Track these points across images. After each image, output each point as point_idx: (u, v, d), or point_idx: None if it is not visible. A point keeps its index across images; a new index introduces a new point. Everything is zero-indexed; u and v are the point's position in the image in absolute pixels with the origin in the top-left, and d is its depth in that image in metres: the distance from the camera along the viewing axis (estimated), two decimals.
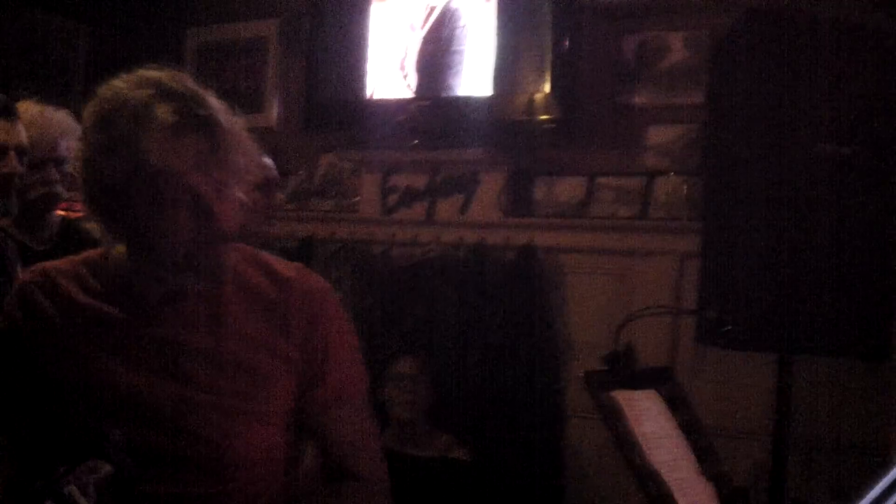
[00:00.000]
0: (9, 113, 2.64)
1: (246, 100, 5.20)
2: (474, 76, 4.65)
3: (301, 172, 5.15)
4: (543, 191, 4.51)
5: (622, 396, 1.81)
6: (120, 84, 1.69)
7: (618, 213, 4.33)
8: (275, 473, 1.74)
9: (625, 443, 1.75)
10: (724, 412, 3.62)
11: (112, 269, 1.78)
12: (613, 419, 1.77)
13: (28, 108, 2.94)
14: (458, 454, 4.10)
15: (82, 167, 1.69)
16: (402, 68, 4.86)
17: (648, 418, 1.82)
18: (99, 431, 1.56)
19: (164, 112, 1.62)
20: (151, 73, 1.70)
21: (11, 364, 1.76)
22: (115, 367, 1.70)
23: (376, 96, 4.95)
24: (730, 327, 2.65)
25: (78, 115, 2.98)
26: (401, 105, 4.78)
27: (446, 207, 4.69)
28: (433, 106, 4.69)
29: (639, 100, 4.36)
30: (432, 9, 4.78)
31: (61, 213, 3.18)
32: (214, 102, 1.69)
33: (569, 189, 4.45)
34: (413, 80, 4.84)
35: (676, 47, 4.28)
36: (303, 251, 4.82)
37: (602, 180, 4.39)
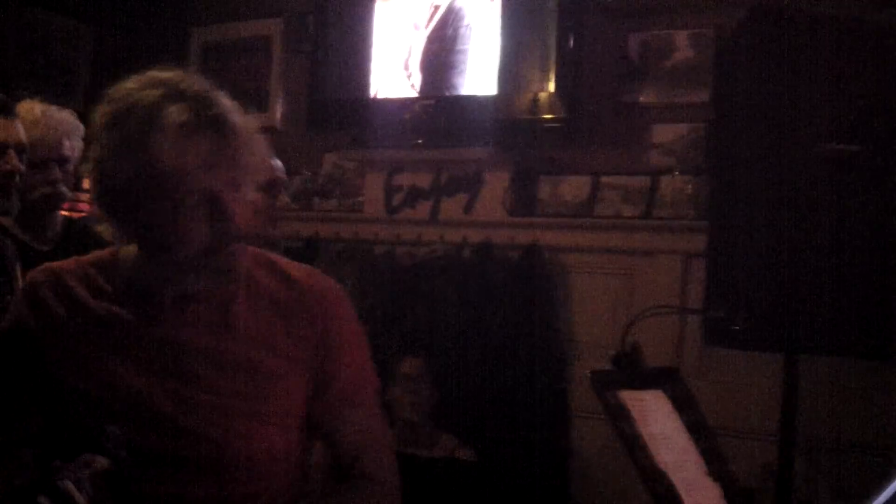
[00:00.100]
0: (7, 111, 2.64)
1: (249, 99, 5.11)
2: (478, 75, 4.64)
3: (305, 172, 5.14)
4: (548, 190, 4.51)
5: (628, 396, 1.80)
6: (131, 85, 1.68)
7: (622, 212, 4.32)
8: (277, 474, 1.74)
9: (631, 443, 1.74)
10: (730, 412, 3.61)
11: (121, 270, 1.78)
12: (620, 419, 1.76)
13: (31, 108, 2.94)
14: (463, 455, 4.10)
15: (94, 168, 1.69)
16: (406, 67, 4.86)
17: (655, 418, 1.81)
18: (98, 429, 1.56)
19: (175, 112, 1.62)
20: (162, 74, 1.70)
21: (18, 362, 1.76)
22: (119, 367, 1.70)
23: (380, 95, 4.94)
24: (737, 327, 2.65)
25: (81, 115, 3.00)
26: (405, 104, 4.78)
27: (450, 207, 4.68)
28: (437, 105, 4.69)
29: (643, 98, 4.35)
30: (436, 8, 4.78)
31: (64, 213, 3.18)
32: (226, 102, 1.70)
33: (573, 188, 4.44)
34: (417, 79, 4.83)
35: (681, 46, 4.27)
36: (307, 251, 4.81)
37: (606, 179, 4.38)
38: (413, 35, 4.84)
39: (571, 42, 4.44)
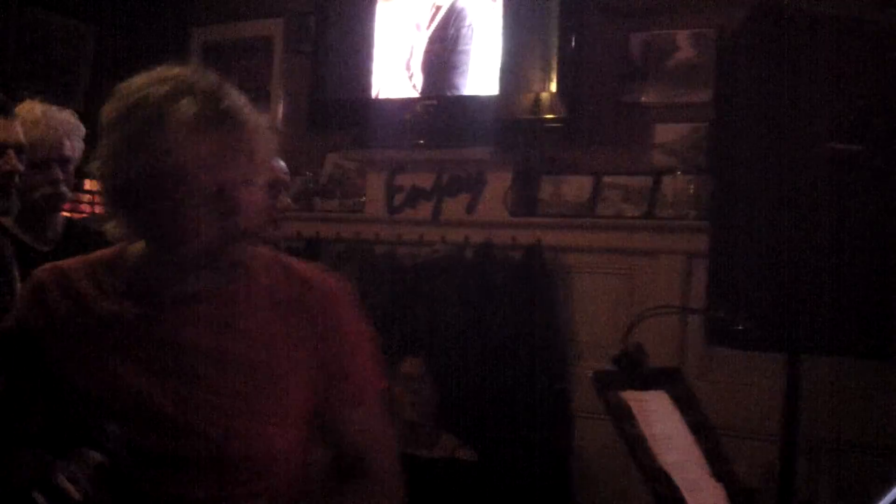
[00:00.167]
0: (6, 111, 2.63)
1: (251, 99, 5.18)
2: (480, 75, 4.64)
3: (306, 173, 5.14)
4: (550, 190, 4.50)
5: (631, 397, 1.80)
6: (139, 81, 1.67)
7: (624, 212, 4.32)
8: (278, 473, 1.73)
9: (634, 443, 1.74)
10: (731, 412, 3.60)
11: (128, 268, 1.76)
12: (622, 419, 1.76)
13: (32, 108, 2.93)
14: (464, 455, 4.10)
15: (102, 165, 1.67)
16: (408, 68, 4.85)
17: (658, 419, 1.81)
18: (98, 427, 1.55)
19: (185, 106, 1.61)
20: (171, 70, 1.69)
21: (21, 361, 1.75)
22: (120, 366, 1.69)
23: (382, 96, 4.94)
24: (739, 327, 2.64)
25: (83, 115, 3.00)
26: (406, 104, 4.78)
27: (452, 207, 4.68)
28: (439, 105, 4.69)
29: (645, 98, 4.36)
30: (438, 8, 4.78)
31: (66, 213, 3.18)
32: (236, 96, 1.69)
33: (575, 188, 4.44)
34: (419, 79, 4.83)
35: (683, 45, 4.27)
36: (308, 251, 4.81)
37: (608, 179, 4.38)
38: (415, 35, 4.84)
39: (573, 42, 4.44)
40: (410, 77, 4.84)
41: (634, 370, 1.88)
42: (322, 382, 1.76)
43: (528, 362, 4.30)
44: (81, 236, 3.06)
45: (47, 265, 1.81)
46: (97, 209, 4.98)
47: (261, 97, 5.33)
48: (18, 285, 2.49)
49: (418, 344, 4.41)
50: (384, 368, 1.90)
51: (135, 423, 1.63)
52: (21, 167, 2.61)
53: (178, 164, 1.59)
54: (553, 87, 4.43)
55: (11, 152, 2.59)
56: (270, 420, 1.71)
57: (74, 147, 3.00)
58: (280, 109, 5.38)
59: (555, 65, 4.44)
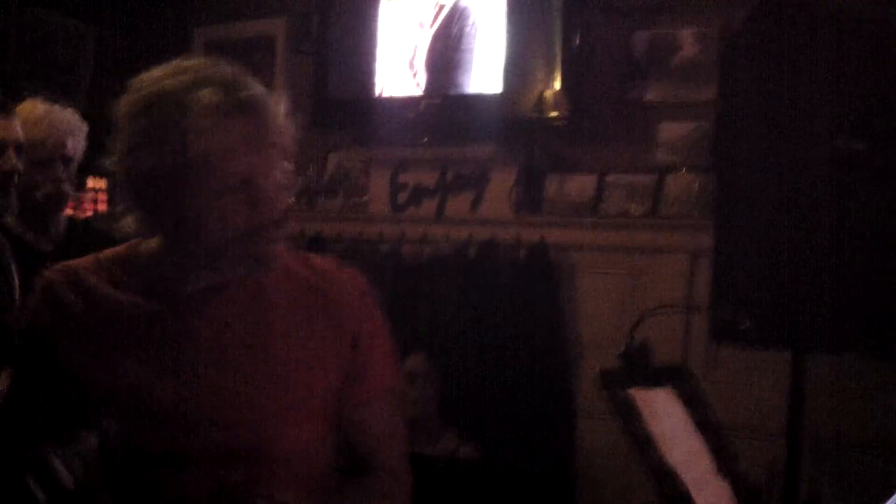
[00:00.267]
0: (6, 110, 2.63)
1: None
2: (484, 73, 4.63)
3: (310, 171, 5.14)
4: (554, 188, 4.50)
5: (638, 394, 1.80)
6: (157, 73, 1.64)
7: (629, 210, 4.32)
8: (303, 466, 1.71)
9: (641, 441, 1.73)
10: (736, 411, 3.59)
11: (142, 264, 1.74)
12: (629, 418, 1.75)
13: (35, 107, 2.93)
14: (468, 453, 4.09)
15: (120, 159, 1.64)
16: (412, 66, 4.84)
17: (664, 417, 1.80)
18: (96, 423, 1.54)
19: (206, 95, 1.58)
20: (188, 61, 1.67)
21: (37, 362, 1.73)
22: (134, 363, 1.66)
23: (385, 94, 4.93)
24: (743, 325, 2.64)
25: (85, 114, 2.99)
26: (410, 103, 4.77)
27: (456, 205, 4.68)
28: (443, 103, 4.68)
29: (649, 96, 4.35)
30: (441, 6, 4.77)
31: (69, 212, 3.17)
32: (256, 85, 1.68)
33: (579, 186, 4.44)
34: (422, 77, 4.82)
35: (687, 43, 4.26)
36: (312, 250, 4.80)
37: (613, 177, 4.37)
38: (418, 34, 4.83)
39: (577, 40, 4.43)
40: (414, 75, 4.83)
41: (641, 367, 1.87)
42: (346, 376, 1.75)
43: (532, 360, 4.30)
44: (84, 235, 3.05)
45: (57, 265, 1.78)
46: (100, 207, 4.98)
47: None
48: (17, 285, 2.49)
49: (422, 342, 4.40)
50: (399, 365, 1.90)
51: (145, 419, 1.61)
52: (21, 166, 2.61)
53: (202, 152, 1.56)
54: (557, 85, 4.42)
55: (11, 151, 2.59)
56: (299, 414, 1.69)
57: (77, 146, 2.99)
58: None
59: (558, 63, 4.43)
